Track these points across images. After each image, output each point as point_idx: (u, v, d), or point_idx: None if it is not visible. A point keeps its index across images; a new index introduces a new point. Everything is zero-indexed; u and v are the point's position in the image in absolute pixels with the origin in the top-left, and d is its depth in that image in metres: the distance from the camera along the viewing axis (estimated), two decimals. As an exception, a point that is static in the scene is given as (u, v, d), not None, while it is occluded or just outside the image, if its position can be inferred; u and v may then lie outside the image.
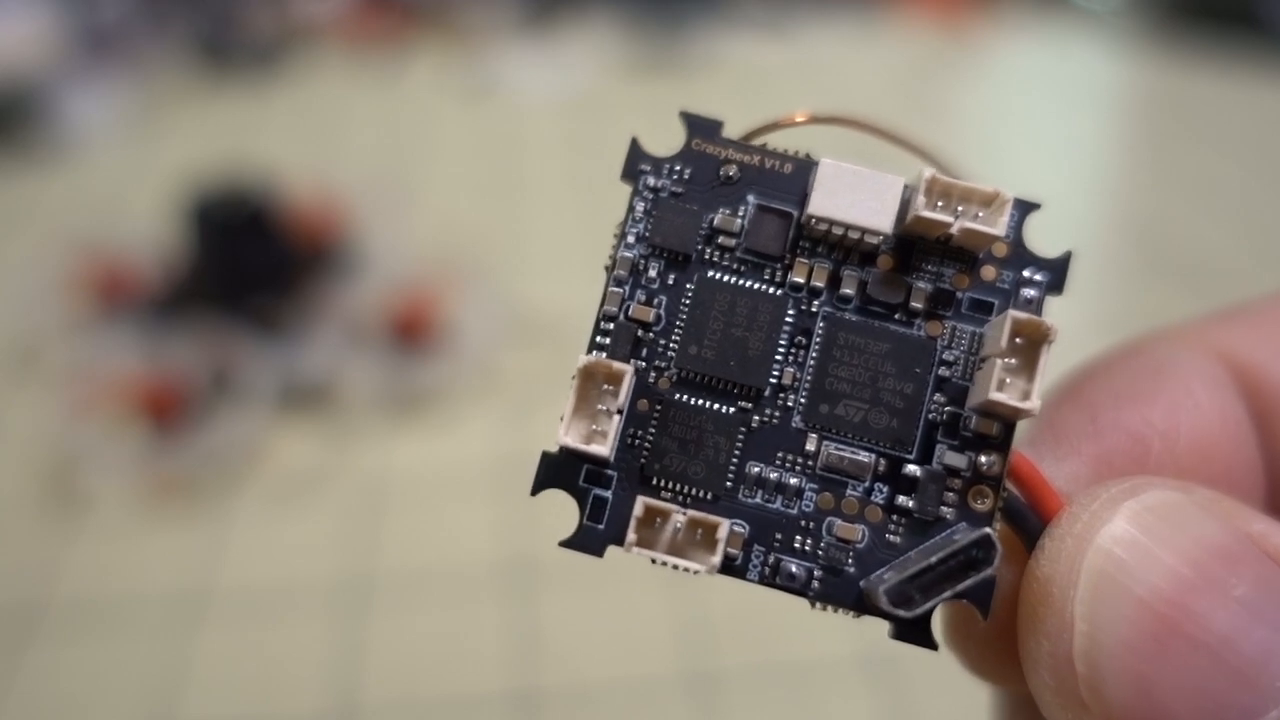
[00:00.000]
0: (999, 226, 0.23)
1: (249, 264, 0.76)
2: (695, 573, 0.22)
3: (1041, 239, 0.24)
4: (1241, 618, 0.18)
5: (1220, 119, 1.13)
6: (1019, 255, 0.24)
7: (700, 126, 0.25)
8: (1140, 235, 0.95)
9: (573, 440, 0.22)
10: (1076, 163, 1.08)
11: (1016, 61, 1.30)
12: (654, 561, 0.22)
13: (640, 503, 0.22)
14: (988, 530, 0.22)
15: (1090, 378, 0.25)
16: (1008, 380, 0.22)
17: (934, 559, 0.22)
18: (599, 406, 0.23)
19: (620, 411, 0.22)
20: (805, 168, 0.24)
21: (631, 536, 0.22)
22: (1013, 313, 0.22)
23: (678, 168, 0.25)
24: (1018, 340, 0.22)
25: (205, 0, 1.25)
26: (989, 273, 0.24)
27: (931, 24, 1.33)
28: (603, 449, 0.22)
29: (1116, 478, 0.21)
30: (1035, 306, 0.23)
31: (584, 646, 0.57)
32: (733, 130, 0.25)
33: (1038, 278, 0.23)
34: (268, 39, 1.24)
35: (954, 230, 0.23)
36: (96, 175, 1.04)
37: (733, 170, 0.24)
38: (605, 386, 0.23)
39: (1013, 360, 0.22)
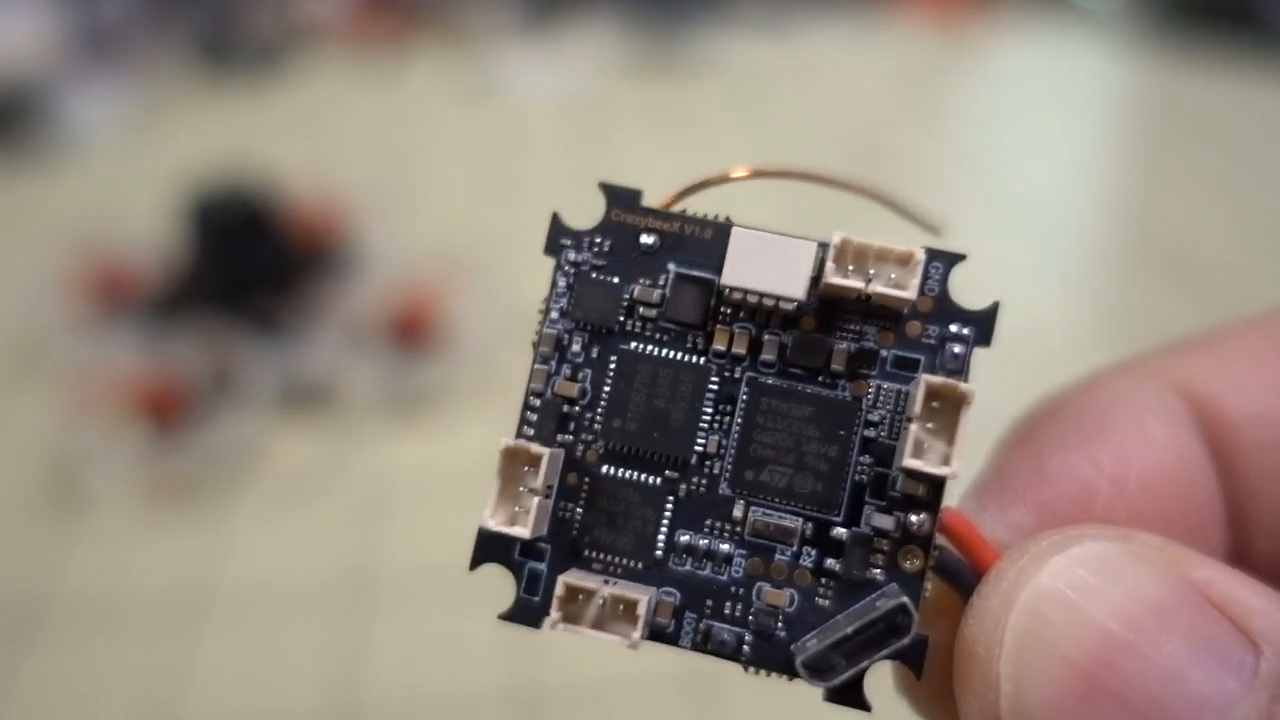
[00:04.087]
0: (910, 289, 0.22)
1: (249, 264, 0.76)
2: (621, 645, 0.22)
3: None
4: (1170, 675, 0.17)
5: (1220, 119, 1.13)
6: (944, 309, 0.23)
7: (619, 196, 0.25)
8: (1139, 235, 0.95)
9: (496, 524, 0.23)
10: (1076, 163, 1.09)
11: (1016, 62, 1.30)
12: (580, 636, 0.22)
13: (561, 582, 0.22)
14: (904, 599, 0.22)
15: (1041, 419, 0.24)
16: (926, 444, 0.22)
17: (853, 627, 0.22)
18: (521, 487, 0.23)
19: (543, 492, 0.23)
20: (724, 233, 0.24)
21: (555, 615, 0.23)
22: (926, 377, 0.21)
23: (598, 240, 0.25)
24: (934, 404, 0.22)
25: (205, 0, 1.25)
26: (914, 329, 0.23)
27: (931, 25, 1.33)
28: (524, 531, 0.23)
29: (1060, 526, 0.21)
30: (962, 361, 0.23)
31: (584, 645, 0.57)
32: (663, 190, 0.25)
33: (964, 332, 0.23)
34: (268, 39, 1.24)
35: (868, 293, 0.22)
36: (97, 175, 1.04)
37: (652, 239, 0.24)
38: (527, 468, 0.23)
39: (931, 424, 0.22)
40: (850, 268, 0.23)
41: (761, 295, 0.23)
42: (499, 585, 0.64)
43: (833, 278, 0.22)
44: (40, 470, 0.68)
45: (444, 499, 0.66)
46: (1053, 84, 1.23)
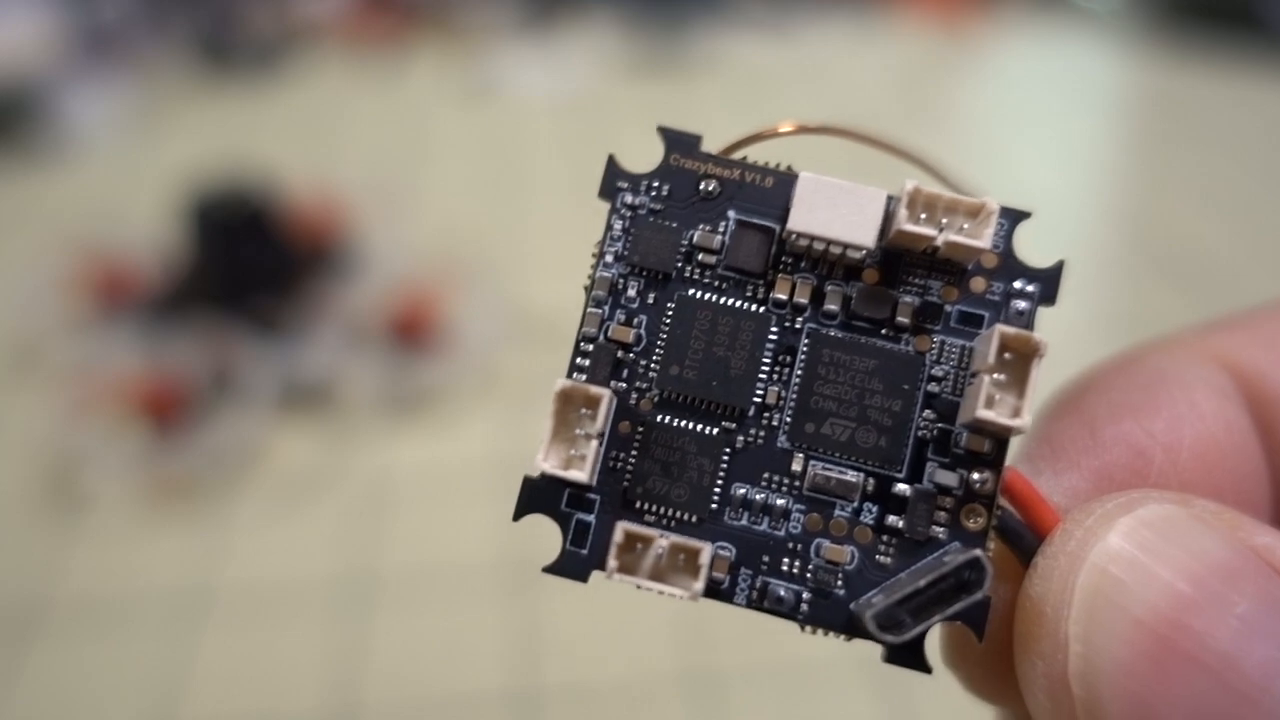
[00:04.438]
0: (984, 239, 0.22)
1: (249, 264, 0.76)
2: (679, 598, 0.21)
3: (1036, 245, 0.24)
4: (1243, 635, 0.17)
5: (1220, 119, 1.13)
6: (1009, 266, 0.23)
7: (678, 141, 0.24)
8: (1139, 235, 0.95)
9: (551, 466, 0.22)
10: (1076, 162, 1.08)
11: (1016, 61, 1.30)
12: (638, 588, 0.21)
13: (620, 529, 0.22)
14: (978, 552, 0.21)
15: (1089, 389, 0.24)
16: (997, 397, 0.21)
17: (924, 581, 0.21)
18: (578, 431, 0.22)
19: (600, 436, 0.22)
20: (787, 181, 0.23)
21: (613, 563, 0.22)
22: (1001, 327, 0.21)
23: (655, 184, 0.24)
24: (1007, 356, 0.21)
25: (205, 0, 1.25)
26: (978, 285, 0.23)
27: (931, 24, 1.33)
28: (581, 474, 0.22)
29: (1116, 492, 0.21)
30: (1026, 319, 0.23)
31: (584, 646, 0.57)
32: (714, 143, 0.24)
33: (1029, 289, 0.23)
34: (268, 39, 1.24)
35: (938, 243, 0.22)
36: (97, 175, 1.04)
37: (712, 185, 0.24)
38: (583, 410, 0.22)
39: (1002, 376, 0.21)
40: (923, 216, 0.22)
41: (829, 242, 0.22)
42: (499, 585, 0.64)
43: (906, 225, 0.22)
44: (40, 470, 0.68)
45: (444, 499, 0.66)
46: (1053, 83, 1.23)
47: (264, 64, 1.22)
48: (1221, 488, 0.22)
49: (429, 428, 0.72)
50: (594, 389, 0.22)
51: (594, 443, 0.22)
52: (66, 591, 0.60)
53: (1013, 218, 0.23)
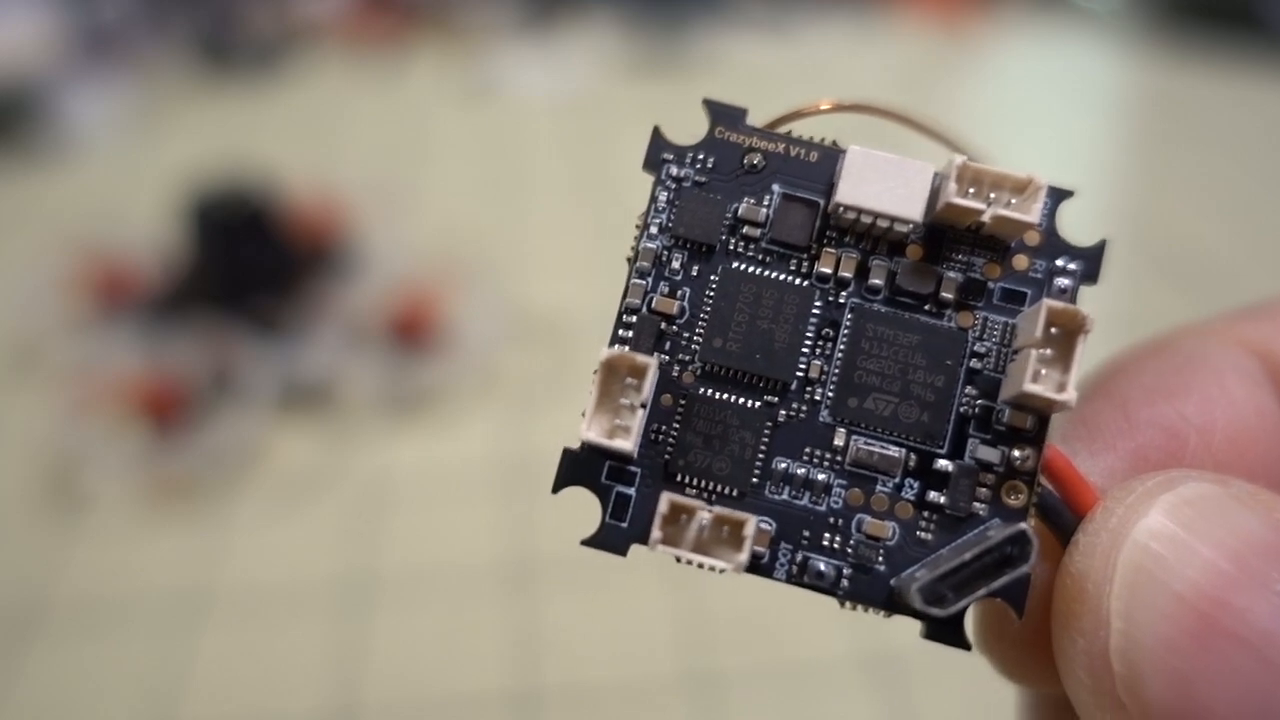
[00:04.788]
0: (1033, 214, 0.22)
1: (249, 264, 0.76)
2: (722, 571, 0.21)
3: (1071, 228, 0.24)
4: None
5: (1220, 119, 1.13)
6: (1052, 244, 0.23)
7: (724, 114, 0.24)
8: (1140, 235, 0.95)
9: (595, 435, 0.21)
10: (1076, 162, 1.08)
11: (1016, 61, 1.30)
12: (679, 560, 0.21)
13: (666, 499, 0.21)
14: (1024, 526, 0.21)
15: (1121, 372, 0.25)
16: (1043, 371, 0.21)
17: (967, 556, 0.21)
18: (622, 401, 0.22)
19: (644, 406, 0.22)
20: (832, 156, 0.24)
21: (657, 534, 0.21)
22: (1048, 302, 0.21)
23: (700, 156, 0.24)
24: (1053, 330, 0.21)
25: (205, 0, 1.25)
26: (1021, 262, 0.23)
27: (931, 24, 1.33)
28: (626, 444, 0.21)
29: (1152, 472, 0.21)
30: (1069, 296, 0.23)
31: (584, 646, 0.57)
32: (756, 119, 0.24)
33: (1071, 266, 0.23)
34: (268, 39, 1.24)
35: (986, 218, 0.22)
36: (97, 175, 1.04)
37: (757, 159, 0.24)
38: (628, 380, 0.22)
39: (1048, 351, 0.21)
40: (970, 191, 0.22)
41: (876, 216, 0.22)
42: (499, 585, 0.64)
43: (954, 198, 0.22)
44: (40, 470, 0.68)
45: (444, 499, 0.66)
46: (1053, 83, 1.23)
47: (264, 64, 1.22)
48: (1254, 470, 0.23)
49: (429, 428, 0.72)
50: (640, 358, 0.22)
51: (639, 413, 0.21)
52: (66, 591, 0.60)
53: (1056, 196, 0.23)
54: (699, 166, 0.24)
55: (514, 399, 0.73)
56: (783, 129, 0.24)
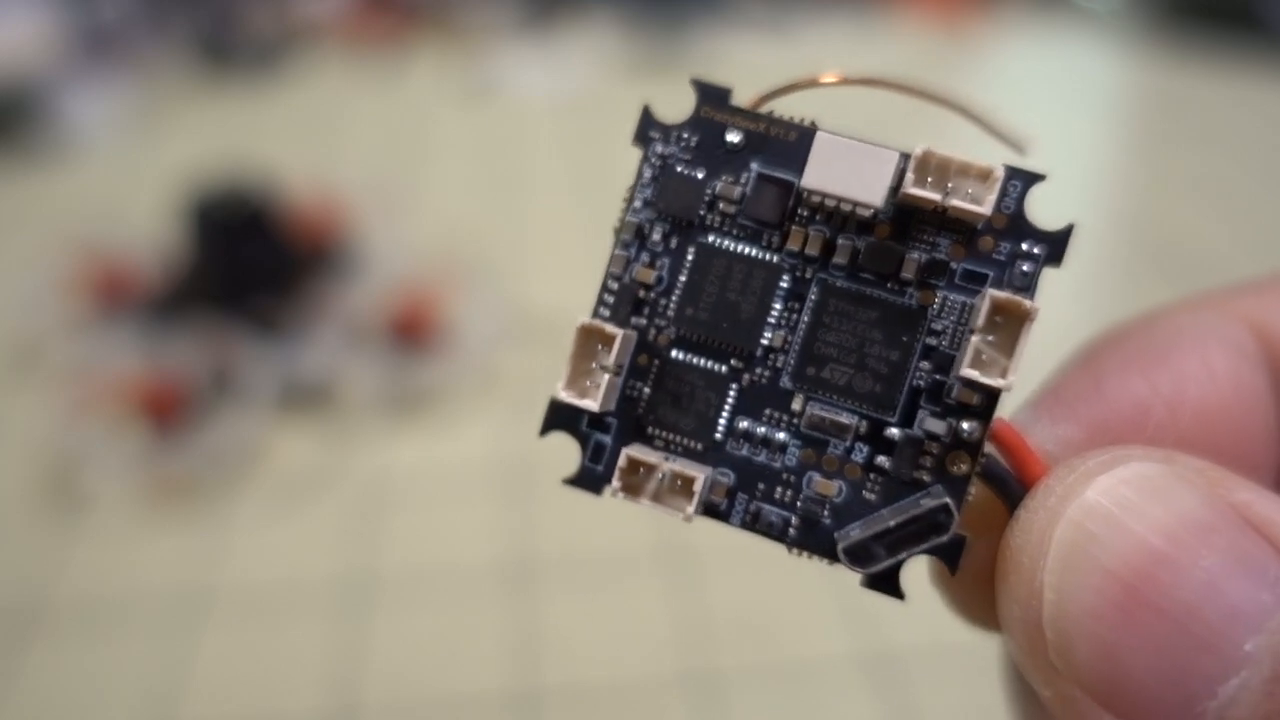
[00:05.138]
0: (986, 205, 0.23)
1: (249, 264, 0.76)
2: (675, 518, 0.23)
3: (1046, 215, 0.24)
4: (1208, 586, 0.18)
5: (1220, 118, 1.13)
6: (1018, 227, 0.24)
7: (710, 94, 0.25)
8: (1140, 234, 0.95)
9: (567, 395, 0.24)
10: (1076, 161, 1.08)
11: (1016, 60, 1.30)
12: (638, 505, 0.23)
13: (625, 454, 0.23)
14: (947, 500, 0.22)
15: (1107, 342, 0.25)
16: (985, 356, 0.22)
17: (897, 521, 0.23)
18: (593, 365, 0.24)
19: (614, 370, 0.24)
20: (808, 136, 0.24)
21: (616, 484, 0.23)
22: (991, 292, 0.22)
23: (685, 135, 0.25)
24: (997, 319, 0.22)
25: (205, 0, 1.25)
26: (986, 244, 0.24)
27: (931, 23, 1.33)
28: (592, 404, 0.23)
29: (1110, 444, 0.21)
30: (1030, 279, 0.23)
31: (584, 646, 0.57)
32: (750, 92, 0.25)
33: (1034, 250, 0.23)
34: (268, 39, 1.24)
35: (943, 205, 0.23)
36: (96, 175, 1.04)
37: (738, 137, 0.25)
38: (600, 347, 0.24)
39: (992, 337, 0.22)
40: (930, 180, 0.23)
41: (839, 200, 0.23)
42: (499, 585, 0.64)
43: (911, 188, 0.23)
44: (39, 471, 0.68)
45: (444, 499, 0.66)
46: (1053, 83, 1.22)
47: (264, 64, 1.22)
48: (1221, 446, 0.23)
49: (429, 428, 0.72)
50: (609, 328, 0.24)
51: (606, 376, 0.23)
52: (65, 591, 0.60)
53: (1026, 179, 0.24)
54: (683, 144, 0.25)
55: (514, 399, 0.73)
56: (768, 107, 0.25)
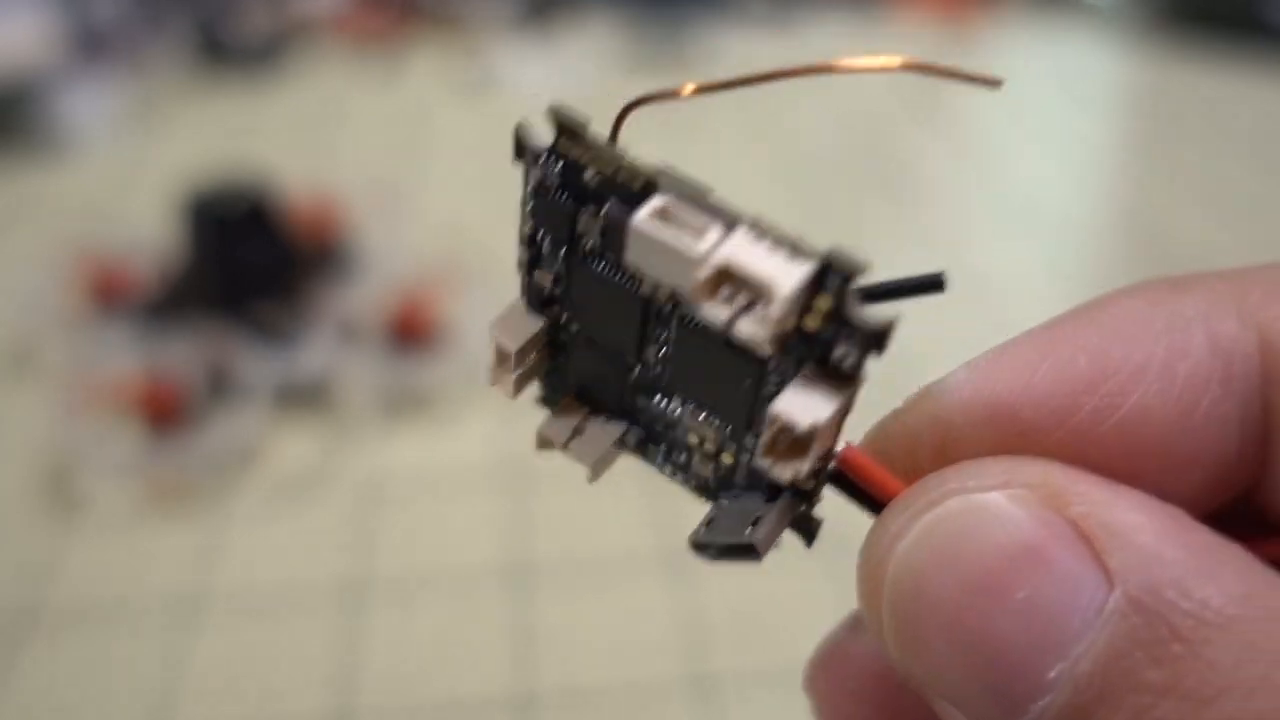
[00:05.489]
0: (761, 330, 0.21)
1: (247, 264, 0.76)
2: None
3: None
4: (1018, 617, 0.18)
5: (1221, 118, 1.13)
6: (839, 318, 0.21)
7: (566, 126, 0.24)
8: (1140, 233, 0.94)
9: (495, 384, 0.29)
10: (1077, 160, 1.08)
11: (1017, 59, 1.29)
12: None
13: (537, 433, 0.29)
14: (753, 542, 0.23)
15: (1061, 322, 0.24)
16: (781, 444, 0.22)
17: (732, 518, 0.24)
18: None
19: (522, 358, 0.27)
20: (650, 188, 0.23)
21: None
22: (774, 407, 0.22)
23: (550, 160, 0.25)
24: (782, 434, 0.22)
25: (203, -2, 1.24)
26: (812, 323, 0.22)
27: (932, 20, 1.33)
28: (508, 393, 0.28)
29: (930, 479, 0.21)
30: (853, 364, 0.22)
31: (584, 647, 0.56)
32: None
33: (851, 341, 0.21)
34: (266, 37, 1.24)
35: (724, 327, 0.22)
36: (94, 175, 1.03)
37: (591, 175, 0.24)
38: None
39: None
40: (722, 293, 0.22)
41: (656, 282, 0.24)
42: (499, 585, 0.64)
43: (700, 310, 0.22)
44: (35, 471, 0.68)
45: (442, 499, 0.66)
46: (1054, 81, 1.22)
47: (262, 62, 1.22)
48: (1148, 447, 0.22)
49: (427, 428, 0.72)
50: (502, 344, 0.27)
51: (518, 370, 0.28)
52: (62, 592, 0.60)
53: (841, 278, 0.21)
54: (547, 170, 0.25)
55: (513, 401, 0.73)
56: (621, 143, 0.25)
